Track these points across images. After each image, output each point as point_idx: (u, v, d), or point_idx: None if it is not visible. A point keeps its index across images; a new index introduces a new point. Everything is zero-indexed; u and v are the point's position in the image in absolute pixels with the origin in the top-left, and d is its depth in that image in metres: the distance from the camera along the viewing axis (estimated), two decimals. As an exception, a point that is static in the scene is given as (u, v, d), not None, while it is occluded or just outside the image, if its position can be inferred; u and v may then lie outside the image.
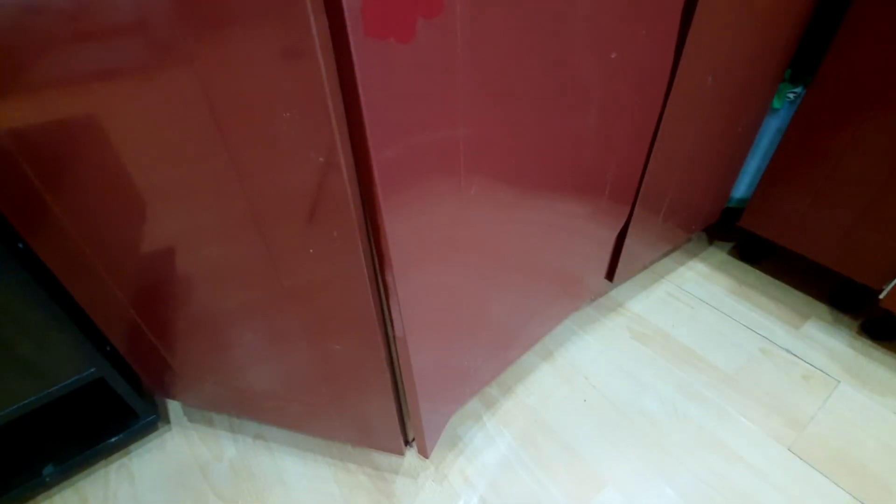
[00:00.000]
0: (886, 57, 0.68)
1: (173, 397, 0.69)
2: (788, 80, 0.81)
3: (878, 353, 0.83)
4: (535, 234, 0.57)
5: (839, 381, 0.79)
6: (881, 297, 0.77)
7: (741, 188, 0.95)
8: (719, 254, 1.06)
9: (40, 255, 0.49)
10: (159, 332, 0.56)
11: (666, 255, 1.06)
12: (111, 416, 0.72)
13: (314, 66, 0.27)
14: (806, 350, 0.84)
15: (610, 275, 0.83)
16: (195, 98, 0.32)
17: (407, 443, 0.64)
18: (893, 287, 0.76)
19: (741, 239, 1.08)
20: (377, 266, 0.40)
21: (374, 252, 0.39)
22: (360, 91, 0.28)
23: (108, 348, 0.64)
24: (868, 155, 0.74)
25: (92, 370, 0.62)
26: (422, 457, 0.69)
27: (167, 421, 0.77)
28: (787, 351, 0.84)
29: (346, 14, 0.25)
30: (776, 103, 0.82)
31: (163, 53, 0.30)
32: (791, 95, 0.81)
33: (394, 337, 0.46)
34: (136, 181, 0.39)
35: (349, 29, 0.26)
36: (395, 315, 0.43)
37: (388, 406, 0.55)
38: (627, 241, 0.77)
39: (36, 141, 0.38)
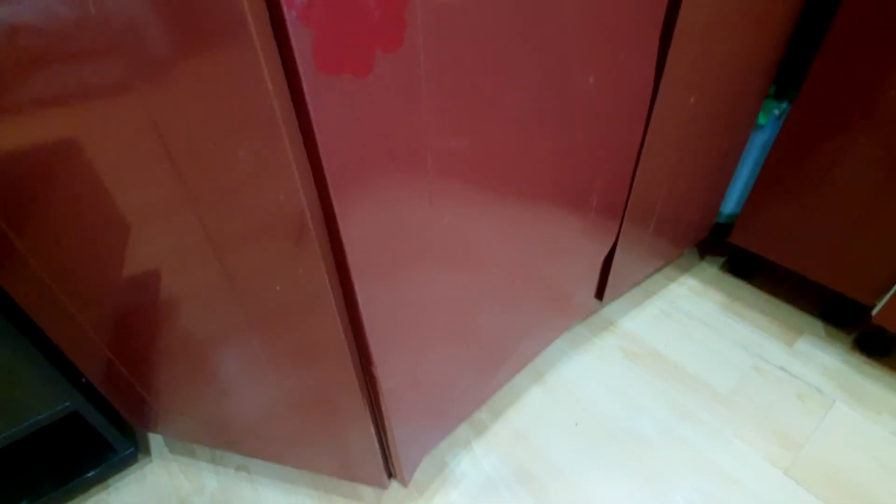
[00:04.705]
0: (870, 71, 0.67)
1: (152, 430, 0.67)
2: (773, 96, 0.81)
3: (872, 369, 0.82)
4: (518, 257, 0.56)
5: (834, 400, 0.77)
6: (873, 312, 0.76)
7: (730, 203, 0.94)
8: (711, 269, 1.05)
9: (9, 292, 0.48)
10: (132, 366, 0.54)
11: (657, 271, 1.05)
12: (88, 450, 0.70)
13: (267, 104, 0.27)
14: (800, 367, 0.83)
15: (599, 293, 0.82)
16: (150, 136, 0.31)
17: (391, 475, 0.63)
18: (886, 302, 0.75)
19: (732, 254, 1.07)
20: (346, 300, 0.39)
21: (342, 286, 0.38)
22: (315, 128, 0.27)
23: (84, 380, 0.62)
24: (854, 169, 0.73)
25: (66, 404, 0.60)
26: (403, 486, 0.67)
27: (147, 453, 0.74)
28: (781, 369, 0.83)
29: (296, 53, 0.25)
30: (762, 119, 0.82)
31: (117, 95, 0.30)
32: (776, 111, 0.81)
33: (369, 372, 0.45)
34: (98, 218, 0.38)
35: (300, 67, 0.25)
36: (365, 348, 0.42)
37: (367, 438, 0.53)
38: (616, 259, 0.76)
39: None
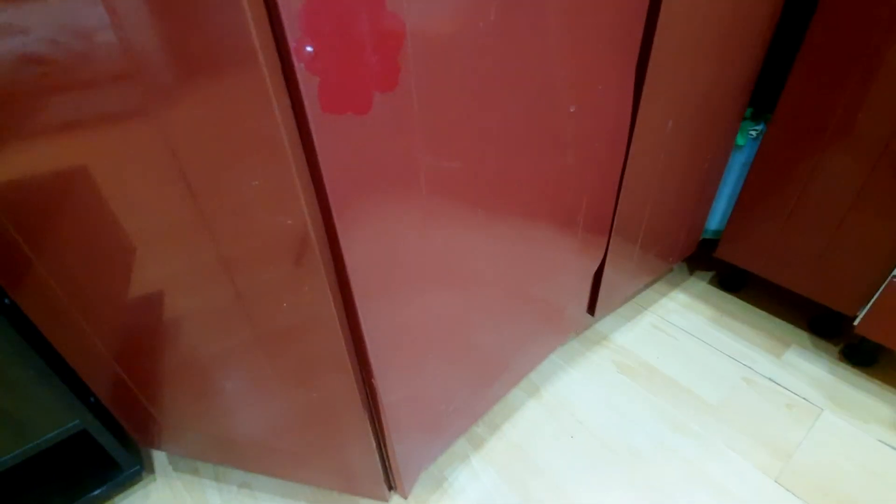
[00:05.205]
0: (837, 91, 0.72)
1: (157, 447, 0.69)
2: (750, 119, 0.86)
3: (858, 379, 0.84)
4: (510, 274, 0.59)
5: (822, 409, 0.79)
6: (855, 323, 0.79)
7: (715, 220, 0.98)
8: (700, 284, 1.08)
9: (25, 311, 0.51)
10: (141, 382, 0.57)
11: (648, 286, 1.08)
12: (94, 468, 0.71)
13: (277, 139, 0.30)
14: (788, 378, 0.85)
15: (591, 308, 0.85)
16: (170, 164, 0.34)
17: (391, 488, 0.64)
18: (866, 313, 0.78)
19: (720, 269, 1.11)
20: (348, 315, 0.42)
21: (344, 302, 0.40)
22: (320, 160, 0.31)
23: (92, 399, 0.64)
24: (830, 185, 0.77)
25: (76, 422, 0.62)
26: (403, 499, 0.69)
27: (152, 471, 0.76)
28: (770, 380, 0.85)
29: (304, 97, 0.28)
30: (740, 140, 0.86)
31: (139, 121, 0.33)
32: (753, 133, 0.85)
33: (370, 384, 0.47)
34: (114, 238, 0.41)
35: (307, 109, 0.29)
36: (365, 361, 0.45)
37: (368, 452, 0.55)
38: (606, 274, 0.79)
39: (16, 197, 0.40)
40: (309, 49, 0.27)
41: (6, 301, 0.53)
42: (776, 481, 0.69)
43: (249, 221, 0.36)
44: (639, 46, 0.55)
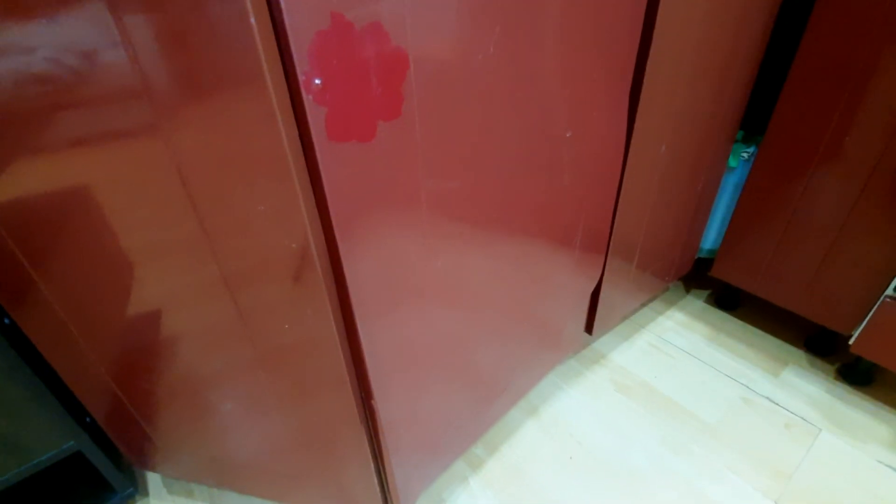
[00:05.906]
0: (827, 113, 0.74)
1: (152, 469, 0.68)
2: (741, 141, 0.88)
3: (856, 398, 0.85)
4: (508, 294, 0.60)
5: (821, 430, 0.79)
6: (850, 342, 0.80)
7: (710, 239, 0.99)
8: (697, 302, 1.09)
9: (25, 330, 0.51)
10: (138, 402, 0.56)
11: (645, 305, 1.08)
12: (87, 490, 0.70)
13: (285, 168, 0.31)
14: (786, 398, 0.85)
15: (589, 327, 0.85)
16: (176, 184, 0.35)
17: (389, 510, 0.63)
18: (861, 332, 0.78)
19: (716, 287, 1.12)
20: (348, 336, 0.42)
21: (345, 323, 0.41)
22: (325, 186, 0.32)
23: (88, 419, 0.63)
24: (821, 205, 0.79)
25: (70, 444, 0.61)
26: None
27: (146, 493, 0.75)
28: (768, 399, 0.85)
29: (311, 126, 0.29)
30: (732, 162, 0.88)
31: (147, 148, 0.34)
32: (745, 154, 0.87)
33: (369, 405, 0.48)
34: (117, 256, 0.41)
35: (314, 137, 0.30)
36: (365, 382, 0.45)
37: (367, 473, 0.55)
38: (603, 293, 0.80)
39: (20, 216, 0.40)
40: (317, 82, 0.28)
41: (6, 321, 0.53)
42: (776, 503, 0.69)
43: (253, 243, 0.36)
44: (632, 74, 0.57)
